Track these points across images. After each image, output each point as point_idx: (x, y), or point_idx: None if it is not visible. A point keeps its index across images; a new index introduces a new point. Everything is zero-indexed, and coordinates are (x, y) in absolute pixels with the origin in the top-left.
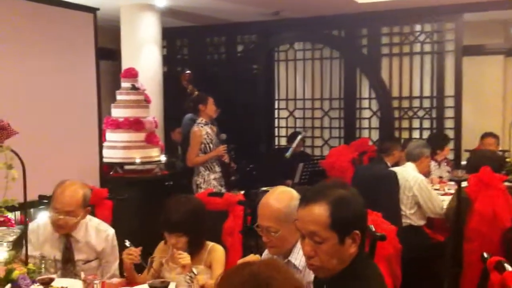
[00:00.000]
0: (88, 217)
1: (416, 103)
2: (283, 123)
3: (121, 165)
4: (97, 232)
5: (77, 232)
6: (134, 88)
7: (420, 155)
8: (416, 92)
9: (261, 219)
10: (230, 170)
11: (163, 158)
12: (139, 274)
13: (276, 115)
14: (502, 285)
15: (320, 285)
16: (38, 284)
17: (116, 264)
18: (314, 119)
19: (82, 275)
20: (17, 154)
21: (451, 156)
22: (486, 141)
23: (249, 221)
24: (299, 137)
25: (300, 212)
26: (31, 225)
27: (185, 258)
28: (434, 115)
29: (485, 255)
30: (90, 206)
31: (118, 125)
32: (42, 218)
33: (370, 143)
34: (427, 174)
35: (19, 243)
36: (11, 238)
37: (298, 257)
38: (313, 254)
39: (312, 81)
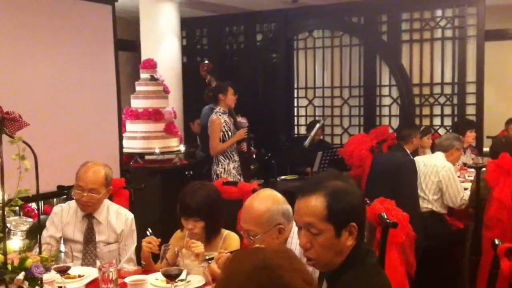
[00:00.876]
0: (109, 201)
1: (437, 89)
2: (302, 111)
3: (141, 155)
4: (117, 215)
5: (99, 213)
6: (153, 79)
7: (450, 147)
8: (437, 79)
9: (242, 221)
10: (249, 159)
11: (182, 148)
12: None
13: (295, 104)
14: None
15: (321, 279)
16: (55, 272)
17: (133, 248)
18: (333, 108)
19: (98, 263)
20: (28, 145)
21: (473, 142)
22: (511, 127)
23: None
24: (318, 125)
25: (297, 203)
26: (56, 208)
27: (198, 246)
28: (455, 101)
29: (496, 241)
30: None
31: (137, 116)
32: (67, 202)
33: (390, 130)
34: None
35: (34, 232)
36: (25, 228)
37: None
38: (309, 246)
39: (331, 69)
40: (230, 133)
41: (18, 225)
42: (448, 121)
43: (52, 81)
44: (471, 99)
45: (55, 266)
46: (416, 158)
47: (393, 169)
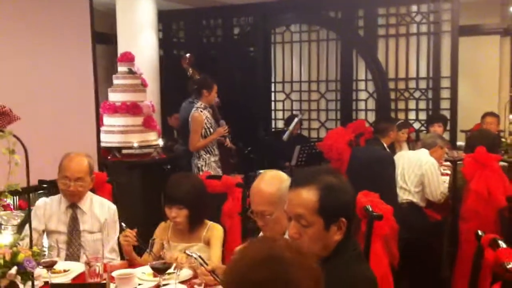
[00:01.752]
0: (91, 193)
1: (412, 84)
2: (279, 106)
3: (119, 149)
4: (101, 205)
5: (83, 203)
6: (131, 72)
7: (433, 144)
8: (413, 73)
9: (255, 204)
10: (230, 153)
11: (160, 142)
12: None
13: (273, 98)
14: (496, 262)
15: None
16: (41, 267)
17: (115, 238)
18: (310, 102)
19: (82, 254)
20: (19, 140)
21: (446, 136)
22: (486, 121)
23: (248, 204)
24: (296, 119)
25: (289, 194)
26: (39, 202)
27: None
28: (430, 96)
29: (480, 232)
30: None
31: (115, 110)
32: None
33: (367, 125)
34: None
35: (23, 226)
36: (16, 222)
37: None
38: (297, 236)
39: (308, 63)
40: (211, 130)
41: (9, 219)
42: (423, 115)
43: (28, 75)
44: (445, 93)
45: (42, 260)
46: (401, 152)
47: (372, 162)
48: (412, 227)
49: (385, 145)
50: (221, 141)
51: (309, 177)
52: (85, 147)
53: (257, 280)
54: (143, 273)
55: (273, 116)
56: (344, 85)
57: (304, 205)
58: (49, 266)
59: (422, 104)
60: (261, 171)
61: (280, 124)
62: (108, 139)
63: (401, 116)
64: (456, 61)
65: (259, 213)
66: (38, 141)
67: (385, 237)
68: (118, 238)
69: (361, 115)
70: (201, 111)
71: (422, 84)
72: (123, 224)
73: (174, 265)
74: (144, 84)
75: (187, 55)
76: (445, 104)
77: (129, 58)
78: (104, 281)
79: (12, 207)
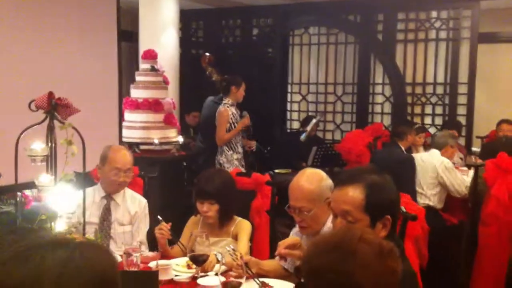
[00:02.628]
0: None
1: (429, 89)
2: (295, 107)
3: (138, 145)
4: (132, 198)
5: (117, 195)
6: (153, 69)
7: (444, 144)
8: (430, 79)
9: (294, 200)
10: (248, 152)
11: (180, 139)
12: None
13: (289, 99)
14: None
15: None
16: None
17: (145, 231)
18: (326, 104)
19: (123, 247)
20: (77, 131)
21: (462, 142)
22: (502, 128)
23: (276, 201)
24: (314, 121)
25: (335, 192)
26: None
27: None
28: (446, 101)
29: None
30: None
31: (137, 106)
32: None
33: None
34: None
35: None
36: (72, 210)
37: None
38: None
39: (326, 65)
40: (236, 125)
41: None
42: (439, 121)
43: (54, 72)
44: (462, 99)
45: None
46: (414, 155)
47: (395, 165)
48: (429, 230)
49: (402, 148)
50: (245, 142)
51: (355, 176)
52: (108, 142)
53: (316, 267)
54: (177, 264)
55: (288, 117)
56: (361, 88)
57: (351, 202)
58: None
59: (439, 109)
60: (276, 170)
61: (295, 125)
62: (129, 135)
63: (417, 120)
64: (474, 68)
65: (298, 208)
66: None
67: (417, 237)
68: (149, 231)
69: (377, 119)
70: (227, 107)
71: (439, 90)
72: (160, 217)
73: (219, 255)
74: (166, 82)
75: (207, 54)
76: (461, 110)
77: (152, 55)
78: (157, 269)
79: (31, 199)
